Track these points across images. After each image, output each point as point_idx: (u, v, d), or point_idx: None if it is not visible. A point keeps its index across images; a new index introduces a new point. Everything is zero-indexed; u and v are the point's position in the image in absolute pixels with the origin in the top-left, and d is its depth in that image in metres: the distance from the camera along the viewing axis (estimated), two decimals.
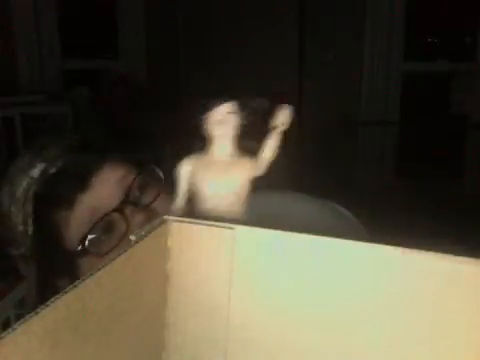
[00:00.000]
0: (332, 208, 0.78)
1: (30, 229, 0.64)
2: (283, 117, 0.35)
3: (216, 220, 0.33)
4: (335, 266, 0.30)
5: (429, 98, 3.33)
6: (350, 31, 3.10)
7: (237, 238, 0.32)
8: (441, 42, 3.34)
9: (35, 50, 2.90)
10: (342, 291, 0.30)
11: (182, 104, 3.25)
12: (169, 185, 0.60)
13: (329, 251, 0.30)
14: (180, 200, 0.36)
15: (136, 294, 0.32)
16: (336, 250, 0.30)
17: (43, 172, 0.62)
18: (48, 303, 0.25)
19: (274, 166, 0.35)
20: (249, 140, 0.37)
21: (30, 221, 0.63)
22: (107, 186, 0.63)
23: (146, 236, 0.32)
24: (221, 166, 0.36)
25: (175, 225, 0.33)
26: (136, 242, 0.31)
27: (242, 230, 0.32)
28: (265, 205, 0.59)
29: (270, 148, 0.35)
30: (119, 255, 0.30)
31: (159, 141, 2.44)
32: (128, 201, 0.62)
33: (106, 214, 0.61)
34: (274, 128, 0.35)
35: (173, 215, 0.34)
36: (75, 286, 0.27)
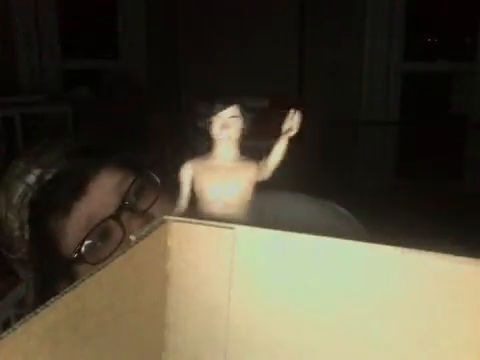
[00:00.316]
0: (332, 208, 0.78)
1: (27, 235, 0.64)
2: (291, 123, 0.35)
3: (216, 220, 0.33)
4: (335, 266, 0.30)
5: (429, 98, 3.34)
6: (350, 31, 3.10)
7: (237, 238, 0.32)
8: (441, 42, 3.34)
9: (35, 50, 2.90)
10: (342, 291, 0.30)
11: (182, 104, 3.25)
12: (168, 189, 0.60)
13: (329, 251, 0.30)
14: (182, 204, 0.36)
15: (136, 294, 0.32)
16: (336, 250, 0.30)
17: (39, 179, 0.62)
18: (48, 303, 0.25)
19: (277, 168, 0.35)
20: (249, 140, 0.37)
21: (27, 227, 0.63)
22: (103, 193, 0.62)
23: (146, 236, 0.32)
24: (224, 170, 0.36)
25: (175, 225, 0.33)
26: (136, 242, 0.31)
27: (242, 230, 0.32)
28: (265, 205, 0.59)
29: (278, 153, 0.35)
30: (119, 255, 0.30)
31: (159, 142, 2.44)
32: (124, 207, 0.61)
33: (102, 221, 0.60)
34: (283, 133, 0.34)
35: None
36: (75, 286, 0.27)
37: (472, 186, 3.02)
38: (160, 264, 0.33)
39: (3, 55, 2.79)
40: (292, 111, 0.35)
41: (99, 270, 0.28)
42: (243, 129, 0.36)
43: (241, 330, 0.33)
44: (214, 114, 0.35)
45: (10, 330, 0.24)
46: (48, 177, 0.62)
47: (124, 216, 0.61)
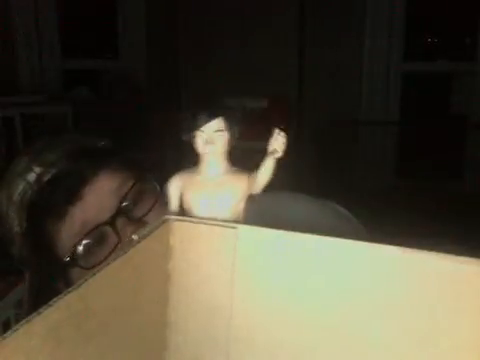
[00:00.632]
0: (332, 208, 0.77)
1: (25, 232, 0.64)
2: (277, 143, 0.32)
3: (218, 219, 0.33)
4: (337, 266, 0.30)
5: (429, 98, 3.34)
6: (350, 31, 3.10)
7: (239, 237, 0.32)
8: (441, 42, 3.34)
9: (35, 50, 2.90)
10: (343, 291, 0.31)
11: (182, 104, 3.25)
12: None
13: (330, 251, 0.30)
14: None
15: (138, 294, 0.32)
16: (337, 250, 0.30)
17: (38, 177, 0.62)
18: (50, 303, 0.25)
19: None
20: (248, 140, 0.36)
21: (25, 225, 0.63)
22: (100, 197, 0.62)
23: (148, 235, 0.32)
24: (212, 186, 0.34)
25: (177, 224, 0.33)
26: (138, 242, 0.31)
27: (244, 229, 0.32)
28: (265, 205, 0.59)
29: (265, 173, 0.33)
30: (120, 255, 0.30)
31: (159, 142, 2.44)
32: (120, 213, 0.61)
33: (97, 226, 0.60)
34: (270, 153, 0.33)
35: None
36: (77, 286, 0.27)
37: (472, 186, 3.02)
38: (162, 263, 0.33)
39: (3, 55, 2.78)
40: (277, 131, 0.32)
41: (101, 270, 0.28)
42: (231, 140, 0.34)
43: (242, 329, 0.33)
44: (197, 128, 0.33)
45: (12, 330, 0.24)
46: (47, 177, 0.62)
47: (119, 222, 0.61)
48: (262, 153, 0.35)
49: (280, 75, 3.07)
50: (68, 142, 0.66)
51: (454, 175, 3.24)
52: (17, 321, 0.25)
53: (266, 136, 0.33)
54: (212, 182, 0.34)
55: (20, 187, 0.63)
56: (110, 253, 0.59)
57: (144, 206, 0.63)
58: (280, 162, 0.34)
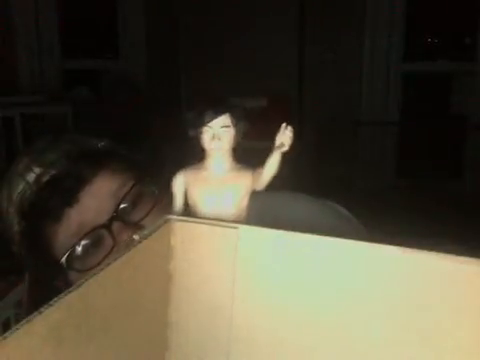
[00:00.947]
0: (332, 208, 0.77)
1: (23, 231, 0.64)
2: (284, 137, 0.33)
3: (219, 219, 0.33)
4: (337, 266, 0.30)
5: (429, 98, 3.34)
6: (350, 31, 3.10)
7: (240, 237, 0.32)
8: (441, 42, 3.34)
9: (35, 50, 2.90)
10: (344, 291, 0.31)
11: (182, 105, 3.25)
12: (166, 192, 0.59)
13: (331, 251, 0.30)
14: (177, 213, 0.35)
15: (139, 293, 0.32)
16: (338, 250, 0.30)
17: (38, 178, 0.62)
18: (51, 303, 0.25)
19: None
20: (248, 140, 0.36)
21: (23, 224, 0.63)
22: (98, 199, 0.62)
23: (149, 235, 0.32)
24: (217, 182, 0.35)
25: (178, 224, 0.33)
26: (139, 242, 0.31)
27: (245, 229, 0.32)
28: (265, 205, 0.59)
29: (271, 167, 0.34)
30: (122, 255, 0.30)
31: (159, 142, 2.44)
32: (117, 217, 0.61)
33: (93, 230, 0.60)
34: (276, 148, 0.33)
35: None
36: (78, 286, 0.27)
37: (472, 186, 3.02)
38: (163, 263, 0.33)
39: (3, 55, 2.79)
40: (284, 125, 0.33)
41: (102, 270, 0.28)
42: (237, 137, 0.34)
43: (243, 329, 0.33)
44: (204, 124, 0.33)
45: (13, 329, 0.24)
46: (46, 178, 0.61)
47: (116, 226, 0.60)
48: (262, 152, 0.35)
49: (280, 75, 3.07)
50: (68, 143, 0.66)
51: (454, 175, 3.24)
52: (17, 321, 0.25)
53: (266, 136, 0.34)
54: (217, 178, 0.35)
55: (20, 187, 0.63)
56: (105, 256, 0.59)
57: (142, 210, 0.62)
58: (280, 162, 0.34)
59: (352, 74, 3.14)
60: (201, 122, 0.34)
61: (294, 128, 0.34)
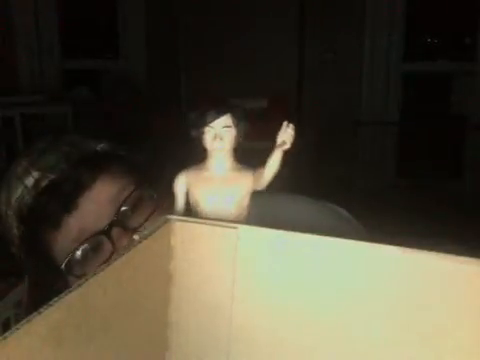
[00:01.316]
0: (331, 209, 0.77)
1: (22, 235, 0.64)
2: (285, 135, 0.33)
3: (219, 220, 0.33)
4: (337, 266, 0.30)
5: (429, 98, 3.34)
6: (350, 31, 3.10)
7: (240, 237, 0.32)
8: (441, 42, 3.34)
9: (35, 50, 2.90)
10: (344, 291, 0.31)
11: (182, 105, 3.25)
12: (166, 194, 0.58)
13: (331, 251, 0.30)
14: (179, 214, 0.36)
15: (139, 293, 0.32)
16: (338, 250, 0.30)
17: (36, 182, 0.61)
18: (51, 303, 0.25)
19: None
20: (248, 140, 0.36)
21: (22, 228, 0.63)
22: (97, 205, 0.61)
23: (149, 236, 0.32)
24: (219, 181, 0.35)
25: (178, 224, 0.33)
26: (139, 242, 0.31)
27: (245, 229, 0.32)
28: (264, 207, 0.59)
29: (273, 165, 0.34)
30: (122, 255, 0.30)
31: (158, 142, 2.44)
32: (117, 222, 0.60)
33: (92, 235, 0.60)
34: (277, 146, 0.34)
35: None
36: (78, 286, 0.27)
37: (472, 186, 3.02)
38: (163, 263, 0.33)
39: (3, 55, 2.79)
40: (285, 123, 0.34)
41: (102, 270, 0.28)
42: (238, 137, 0.35)
43: (243, 329, 0.33)
44: (206, 124, 0.34)
45: (13, 329, 0.24)
46: (45, 182, 0.61)
47: (115, 232, 0.60)
48: (262, 153, 0.35)
49: (280, 75, 3.07)
50: (67, 145, 0.65)
51: (454, 175, 3.25)
52: (17, 321, 0.25)
53: (266, 136, 0.34)
54: (219, 178, 0.35)
55: (18, 191, 0.62)
56: (105, 262, 0.58)
57: (141, 215, 0.62)
58: (281, 162, 0.34)
59: (352, 74, 3.14)
60: (203, 122, 0.34)
61: (295, 127, 0.34)
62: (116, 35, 3.20)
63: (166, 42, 3.17)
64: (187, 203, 0.36)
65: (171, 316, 0.34)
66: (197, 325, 0.34)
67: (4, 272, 1.15)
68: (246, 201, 0.36)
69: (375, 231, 0.69)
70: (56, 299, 0.26)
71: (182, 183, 0.36)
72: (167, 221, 0.33)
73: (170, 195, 0.37)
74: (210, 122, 0.34)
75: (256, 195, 0.36)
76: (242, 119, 0.35)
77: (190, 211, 0.36)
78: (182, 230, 0.33)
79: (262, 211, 0.49)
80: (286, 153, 0.34)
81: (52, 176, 0.61)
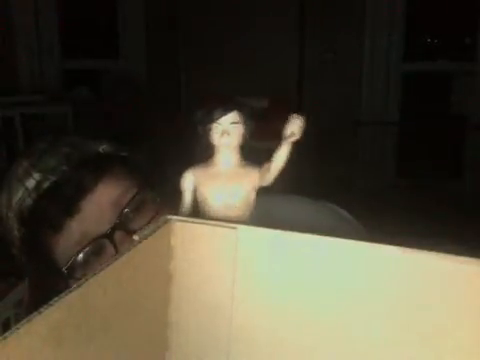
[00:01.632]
0: (331, 210, 0.77)
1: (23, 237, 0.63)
2: (294, 127, 0.33)
3: (219, 220, 0.33)
4: (337, 266, 0.30)
5: (429, 98, 3.33)
6: (350, 31, 3.10)
7: (240, 238, 0.32)
8: (441, 42, 3.34)
9: (35, 50, 2.90)
10: (344, 291, 0.31)
11: (182, 105, 3.25)
12: (168, 196, 0.57)
13: (331, 251, 0.30)
14: (185, 211, 0.36)
15: (139, 293, 0.32)
16: (338, 250, 0.30)
17: (38, 184, 0.60)
18: (51, 302, 0.25)
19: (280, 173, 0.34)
20: (250, 140, 0.36)
21: (23, 230, 0.63)
22: (99, 208, 0.60)
23: (149, 236, 0.32)
24: (226, 177, 0.35)
25: (178, 224, 0.33)
26: (139, 242, 0.31)
27: (245, 230, 0.32)
28: (264, 207, 0.59)
29: (280, 159, 0.34)
30: (122, 255, 0.30)
31: (158, 142, 2.44)
32: (119, 225, 0.60)
33: (95, 239, 0.59)
34: (285, 138, 0.33)
35: None
36: (78, 286, 0.27)
37: (472, 186, 3.02)
38: (163, 263, 0.33)
39: (3, 55, 2.79)
40: (294, 115, 0.34)
41: (102, 270, 0.28)
42: (245, 134, 0.35)
43: (243, 329, 0.33)
44: (213, 120, 0.34)
45: (13, 329, 0.24)
46: (46, 185, 0.60)
47: (118, 235, 0.59)
48: (263, 153, 0.35)
49: (280, 75, 3.07)
50: (68, 146, 0.64)
51: (454, 175, 3.25)
52: (17, 321, 0.25)
53: (267, 136, 0.34)
54: (226, 174, 0.35)
55: (19, 193, 0.61)
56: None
57: (144, 218, 0.61)
58: (283, 167, 0.34)
59: (352, 74, 3.14)
60: (210, 119, 0.34)
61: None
62: (116, 35, 3.20)
63: (166, 42, 3.17)
64: (193, 200, 0.37)
65: (171, 316, 0.34)
66: (197, 325, 0.34)
67: (4, 272, 1.15)
68: (252, 197, 0.36)
69: (375, 231, 0.69)
70: (56, 299, 0.26)
71: (190, 181, 0.36)
72: (167, 221, 0.33)
73: (171, 196, 0.37)
74: (218, 119, 0.34)
75: (256, 196, 0.36)
76: (249, 117, 0.35)
77: (196, 208, 0.36)
78: (182, 230, 0.33)
79: (262, 211, 0.49)
80: (300, 139, 0.34)
81: (53, 178, 0.60)
